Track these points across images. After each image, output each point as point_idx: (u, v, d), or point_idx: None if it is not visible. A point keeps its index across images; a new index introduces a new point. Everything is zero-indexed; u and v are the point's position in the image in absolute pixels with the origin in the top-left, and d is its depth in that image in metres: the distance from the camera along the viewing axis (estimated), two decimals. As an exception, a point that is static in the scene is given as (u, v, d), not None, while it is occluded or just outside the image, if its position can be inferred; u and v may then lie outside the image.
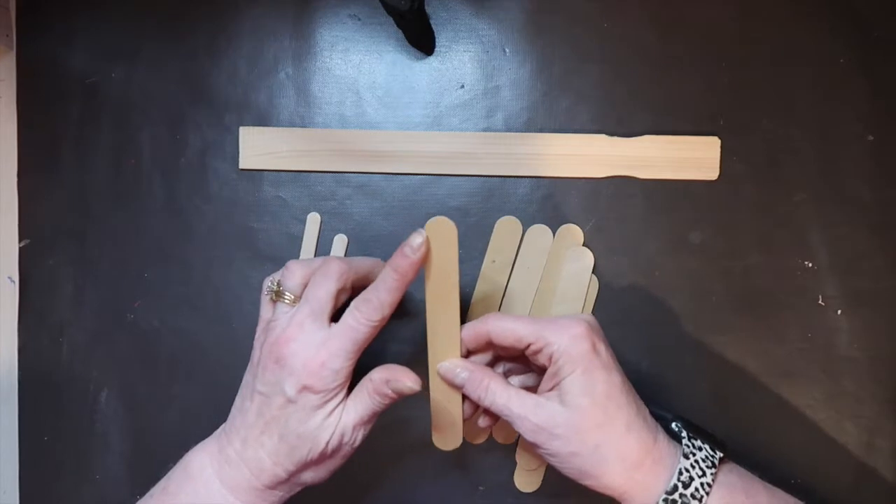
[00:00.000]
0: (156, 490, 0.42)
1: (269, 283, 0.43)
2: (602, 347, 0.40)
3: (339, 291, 0.41)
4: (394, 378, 0.40)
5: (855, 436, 0.49)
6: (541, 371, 0.42)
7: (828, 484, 0.48)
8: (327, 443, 0.40)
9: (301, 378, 0.39)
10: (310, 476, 0.41)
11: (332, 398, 0.40)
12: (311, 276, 0.42)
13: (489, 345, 0.43)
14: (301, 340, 0.40)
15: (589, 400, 0.38)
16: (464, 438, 0.50)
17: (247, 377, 0.43)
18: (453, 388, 0.43)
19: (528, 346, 0.40)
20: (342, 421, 0.40)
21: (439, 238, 0.40)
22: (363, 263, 0.43)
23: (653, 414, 0.42)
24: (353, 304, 0.40)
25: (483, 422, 0.45)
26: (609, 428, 0.38)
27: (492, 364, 0.45)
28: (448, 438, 0.45)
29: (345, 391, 0.41)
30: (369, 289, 0.40)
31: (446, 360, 0.43)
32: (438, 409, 0.44)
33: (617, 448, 0.38)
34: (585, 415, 0.38)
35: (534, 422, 0.39)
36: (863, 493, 0.49)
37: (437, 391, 0.44)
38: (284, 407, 0.40)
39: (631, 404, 0.40)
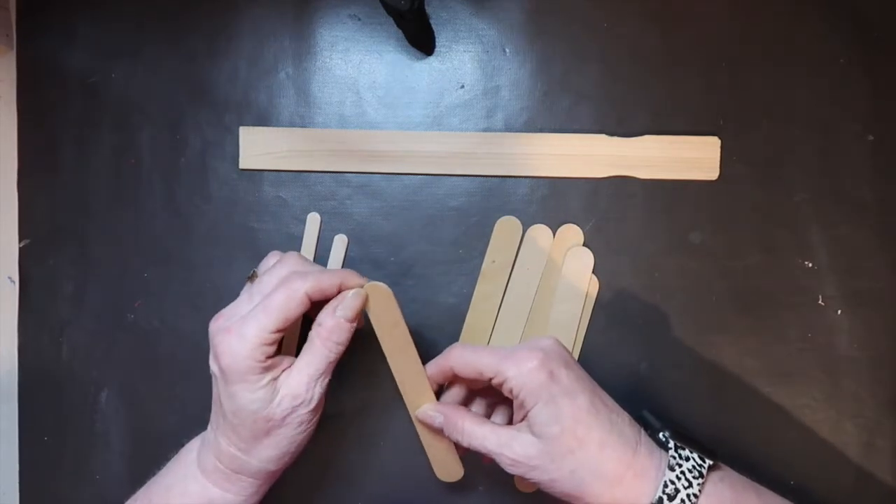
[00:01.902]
0: (157, 474, 0.44)
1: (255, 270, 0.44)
2: (562, 373, 0.39)
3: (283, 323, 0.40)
4: (337, 302, 0.40)
5: (855, 436, 0.49)
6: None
7: (827, 484, 0.48)
8: (270, 414, 0.39)
9: (216, 354, 0.39)
10: (269, 452, 0.40)
11: (255, 373, 0.39)
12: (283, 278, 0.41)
13: (456, 378, 0.43)
14: (223, 318, 0.41)
15: (557, 428, 0.38)
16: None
17: None
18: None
19: (490, 379, 0.41)
20: (285, 387, 0.39)
21: (379, 301, 0.41)
22: (329, 280, 0.41)
23: (642, 420, 0.42)
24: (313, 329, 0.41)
25: (487, 459, 0.45)
26: (582, 451, 0.38)
27: (470, 396, 0.45)
28: (449, 470, 0.46)
29: (276, 367, 0.40)
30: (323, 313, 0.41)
31: (420, 404, 0.44)
32: (430, 445, 0.45)
33: (593, 469, 0.38)
34: (556, 443, 0.38)
35: (510, 457, 0.39)
36: (862, 494, 0.48)
37: (423, 430, 0.45)
38: (216, 384, 0.40)
39: (602, 422, 0.39)
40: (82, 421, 0.51)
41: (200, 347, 0.51)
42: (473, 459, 0.50)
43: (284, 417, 0.39)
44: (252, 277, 0.43)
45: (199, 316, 0.51)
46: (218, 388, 0.40)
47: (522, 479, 0.49)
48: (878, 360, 0.49)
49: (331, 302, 0.41)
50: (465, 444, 0.41)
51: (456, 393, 0.45)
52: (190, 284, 0.51)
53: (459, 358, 0.42)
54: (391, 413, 0.50)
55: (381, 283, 0.41)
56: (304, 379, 0.40)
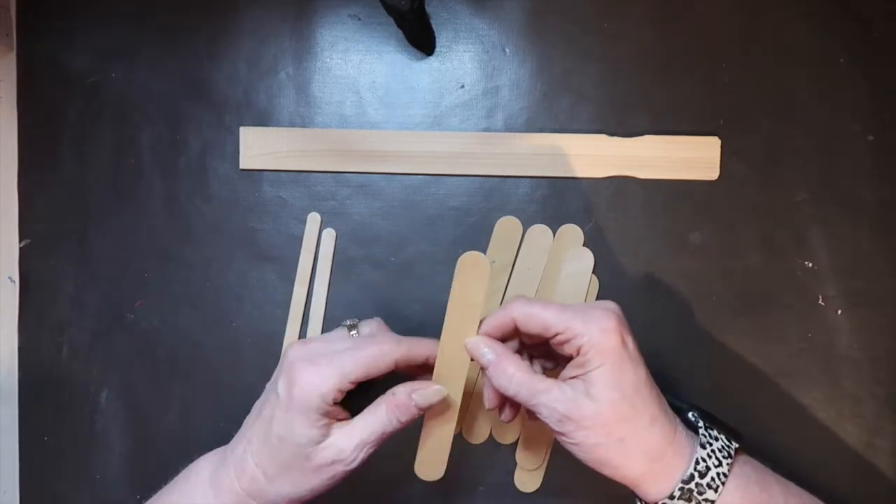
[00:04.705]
0: (161, 490, 0.43)
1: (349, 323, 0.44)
2: (630, 340, 0.39)
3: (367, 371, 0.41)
4: (420, 387, 0.41)
5: (855, 436, 0.49)
6: (563, 357, 0.41)
7: (828, 484, 0.48)
8: (311, 454, 0.39)
9: (291, 380, 0.39)
10: (289, 488, 0.40)
11: (318, 413, 0.39)
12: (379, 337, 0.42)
13: (514, 332, 0.42)
14: (310, 348, 0.41)
15: (618, 394, 0.38)
16: (464, 438, 0.50)
17: None
18: (448, 415, 0.43)
19: (555, 335, 0.40)
20: (336, 438, 0.39)
21: (469, 273, 0.41)
22: (419, 350, 0.42)
23: (672, 399, 0.42)
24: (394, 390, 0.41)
25: (506, 416, 0.44)
26: (634, 421, 0.38)
27: (519, 352, 0.44)
28: (432, 467, 0.44)
29: (334, 414, 0.40)
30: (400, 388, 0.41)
31: (450, 390, 0.42)
32: (429, 435, 0.44)
33: (641, 441, 0.38)
34: (613, 408, 0.38)
35: (562, 412, 0.39)
36: (863, 493, 0.49)
37: (432, 417, 0.43)
38: (275, 406, 0.40)
39: (654, 397, 0.39)
40: (82, 421, 0.51)
41: (200, 347, 0.51)
42: (472, 460, 0.50)
43: (319, 466, 0.39)
44: (352, 326, 0.43)
45: (199, 316, 0.51)
46: (272, 410, 0.40)
47: (527, 470, 0.49)
48: (878, 360, 0.49)
49: (413, 382, 0.42)
50: (510, 391, 0.40)
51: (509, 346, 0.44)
52: (190, 284, 0.51)
53: (524, 311, 0.40)
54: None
55: (482, 257, 0.40)
56: (355, 439, 0.40)
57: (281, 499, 0.40)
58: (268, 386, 0.42)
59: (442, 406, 0.43)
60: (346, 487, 0.50)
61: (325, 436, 0.39)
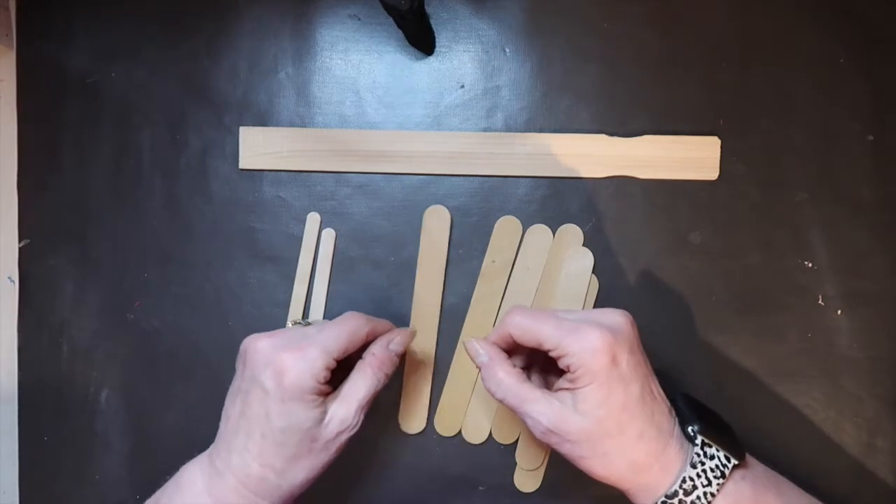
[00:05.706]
0: (149, 501, 0.42)
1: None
2: (624, 358, 0.39)
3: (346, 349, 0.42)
4: (392, 336, 0.44)
5: (855, 436, 0.49)
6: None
7: (828, 484, 0.48)
8: (317, 434, 0.40)
9: (279, 370, 0.39)
10: (303, 474, 0.40)
11: (313, 393, 0.39)
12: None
13: (517, 344, 0.42)
14: (281, 338, 0.41)
15: (604, 412, 0.38)
16: (464, 438, 0.50)
17: (233, 382, 0.43)
18: (424, 365, 0.46)
19: (549, 350, 0.40)
20: (335, 409, 0.40)
21: (435, 224, 0.46)
22: (383, 326, 0.45)
23: (676, 407, 0.42)
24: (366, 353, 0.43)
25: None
26: (620, 438, 0.38)
27: (530, 360, 0.45)
28: (413, 420, 0.48)
29: (326, 391, 0.41)
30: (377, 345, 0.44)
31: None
32: (409, 390, 0.47)
33: (626, 456, 0.38)
34: (598, 426, 0.38)
35: (546, 426, 0.39)
36: (863, 493, 0.49)
37: (410, 370, 0.46)
38: (264, 401, 0.39)
39: (645, 413, 0.39)
40: (82, 421, 0.51)
41: (200, 347, 0.51)
42: (472, 460, 0.50)
43: (327, 441, 0.40)
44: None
45: (199, 316, 0.51)
46: (263, 407, 0.39)
47: (527, 470, 0.49)
48: (878, 360, 0.49)
49: (383, 336, 0.44)
50: (497, 395, 0.41)
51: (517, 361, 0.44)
52: (190, 284, 0.51)
53: (519, 326, 0.41)
54: (389, 414, 0.50)
55: (444, 209, 0.46)
56: (353, 405, 0.41)
57: (294, 487, 0.41)
58: (240, 386, 0.41)
59: (418, 357, 0.47)
60: (347, 489, 0.51)
61: (325, 412, 0.40)
